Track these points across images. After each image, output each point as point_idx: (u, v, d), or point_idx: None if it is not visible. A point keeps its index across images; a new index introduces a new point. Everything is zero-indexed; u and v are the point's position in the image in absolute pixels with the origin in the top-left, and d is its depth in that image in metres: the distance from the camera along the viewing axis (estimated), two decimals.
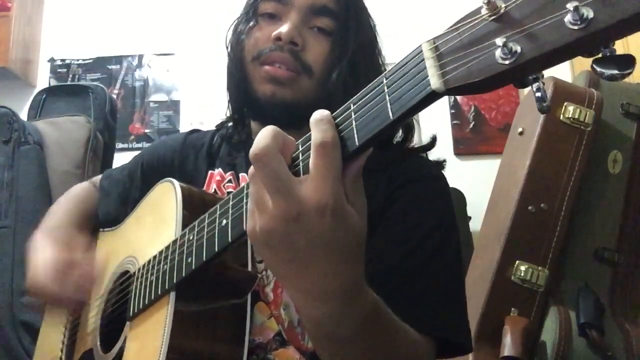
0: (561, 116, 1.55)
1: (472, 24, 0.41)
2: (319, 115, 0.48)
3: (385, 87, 0.46)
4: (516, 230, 1.50)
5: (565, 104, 1.55)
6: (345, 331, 0.53)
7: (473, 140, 3.03)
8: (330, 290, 0.49)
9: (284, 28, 0.83)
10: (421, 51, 0.44)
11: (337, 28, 0.86)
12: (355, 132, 0.47)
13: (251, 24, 0.89)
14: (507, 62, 0.39)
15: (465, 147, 3.02)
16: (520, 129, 1.69)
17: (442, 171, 0.91)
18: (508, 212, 1.53)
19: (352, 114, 0.48)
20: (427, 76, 0.42)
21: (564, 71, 2.80)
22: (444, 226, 0.81)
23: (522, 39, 0.38)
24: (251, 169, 0.48)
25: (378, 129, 0.45)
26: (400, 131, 0.93)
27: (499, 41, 0.39)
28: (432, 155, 0.95)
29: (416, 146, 0.95)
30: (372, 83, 0.48)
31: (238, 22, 0.93)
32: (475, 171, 2.66)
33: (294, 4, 0.85)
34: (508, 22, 0.39)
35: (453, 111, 3.07)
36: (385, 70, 0.94)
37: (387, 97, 0.45)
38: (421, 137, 0.99)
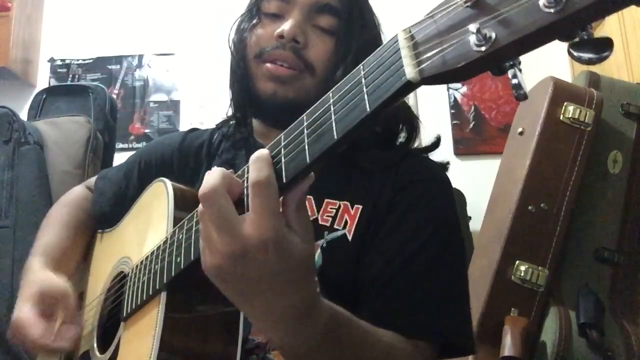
0: (561, 116, 1.55)
1: (447, 10, 0.40)
2: (258, 154, 0.51)
3: (363, 79, 0.45)
4: (516, 230, 1.50)
5: (565, 104, 1.55)
6: (303, 346, 0.55)
7: (473, 140, 3.03)
8: (281, 313, 0.52)
9: (286, 26, 0.83)
10: (397, 40, 0.43)
11: (340, 26, 0.86)
12: (334, 124, 0.46)
13: (254, 22, 0.88)
14: (482, 48, 0.37)
15: (465, 147, 3.01)
16: (520, 129, 1.69)
17: (446, 173, 0.90)
18: (508, 212, 1.53)
19: (332, 106, 0.47)
20: (402, 66, 0.41)
21: (563, 71, 2.80)
22: (448, 228, 0.80)
23: (496, 24, 0.37)
24: (200, 207, 0.50)
25: (356, 121, 0.45)
26: (404, 131, 0.92)
27: (473, 27, 0.38)
28: (433, 155, 0.94)
29: (419, 147, 0.95)
30: (350, 74, 0.47)
31: (241, 20, 0.92)
32: (475, 171, 2.66)
33: (297, 2, 0.85)
34: (482, 8, 0.38)
35: (453, 111, 3.07)
36: None
37: (365, 89, 0.44)
38: (421, 137, 0.99)
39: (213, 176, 0.50)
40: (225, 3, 3.04)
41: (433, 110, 2.94)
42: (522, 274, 1.46)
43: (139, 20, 3.25)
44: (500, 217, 1.58)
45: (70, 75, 3.23)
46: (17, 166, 1.63)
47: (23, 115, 1.88)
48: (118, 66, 3.26)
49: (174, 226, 0.71)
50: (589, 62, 0.37)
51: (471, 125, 3.05)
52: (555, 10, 0.35)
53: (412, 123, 0.91)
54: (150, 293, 0.70)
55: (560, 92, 1.57)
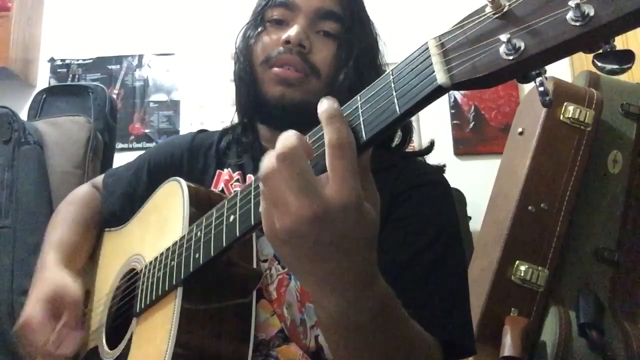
0: (561, 116, 1.55)
1: (476, 21, 0.43)
2: (330, 111, 0.47)
3: (392, 83, 0.47)
4: (516, 230, 1.50)
5: (565, 104, 1.55)
6: (362, 319, 0.54)
7: (473, 140, 3.03)
8: (347, 281, 0.50)
9: (292, 31, 0.86)
10: (427, 47, 0.45)
11: (342, 31, 0.89)
12: (362, 127, 0.48)
13: (259, 29, 0.91)
14: (511, 57, 0.40)
15: (465, 147, 3.01)
16: (520, 129, 1.69)
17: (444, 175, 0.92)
18: (508, 212, 1.53)
19: (359, 108, 0.49)
20: (434, 71, 0.44)
21: (564, 71, 2.80)
22: (448, 231, 0.82)
23: (525, 35, 0.40)
24: (267, 168, 0.47)
25: (385, 123, 0.46)
26: (399, 133, 0.94)
27: (504, 37, 0.40)
28: (432, 154, 0.96)
29: (415, 149, 0.96)
30: (378, 79, 0.49)
31: (246, 28, 0.95)
32: (475, 171, 2.66)
33: (300, 9, 0.88)
34: (511, 20, 0.41)
35: (453, 111, 3.07)
36: (386, 71, 0.96)
37: (394, 93, 0.46)
38: (421, 137, 1.00)
39: (289, 136, 0.47)
40: (225, 3, 3.04)
41: (433, 110, 2.93)
42: (522, 274, 1.46)
43: (139, 20, 3.25)
44: (500, 217, 1.59)
45: (70, 75, 3.23)
46: (17, 166, 1.63)
47: (23, 115, 1.88)
48: (118, 66, 3.25)
49: (190, 223, 0.73)
50: (612, 72, 0.39)
51: (471, 125, 3.05)
52: (580, 24, 0.37)
53: (406, 126, 0.94)
54: (167, 288, 0.71)
55: (560, 92, 1.57)
